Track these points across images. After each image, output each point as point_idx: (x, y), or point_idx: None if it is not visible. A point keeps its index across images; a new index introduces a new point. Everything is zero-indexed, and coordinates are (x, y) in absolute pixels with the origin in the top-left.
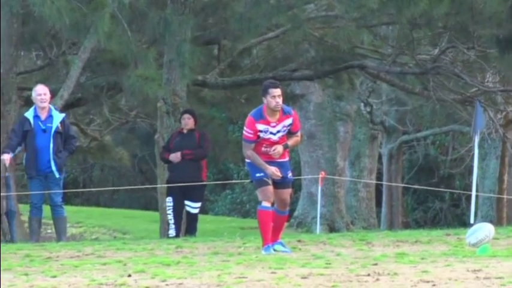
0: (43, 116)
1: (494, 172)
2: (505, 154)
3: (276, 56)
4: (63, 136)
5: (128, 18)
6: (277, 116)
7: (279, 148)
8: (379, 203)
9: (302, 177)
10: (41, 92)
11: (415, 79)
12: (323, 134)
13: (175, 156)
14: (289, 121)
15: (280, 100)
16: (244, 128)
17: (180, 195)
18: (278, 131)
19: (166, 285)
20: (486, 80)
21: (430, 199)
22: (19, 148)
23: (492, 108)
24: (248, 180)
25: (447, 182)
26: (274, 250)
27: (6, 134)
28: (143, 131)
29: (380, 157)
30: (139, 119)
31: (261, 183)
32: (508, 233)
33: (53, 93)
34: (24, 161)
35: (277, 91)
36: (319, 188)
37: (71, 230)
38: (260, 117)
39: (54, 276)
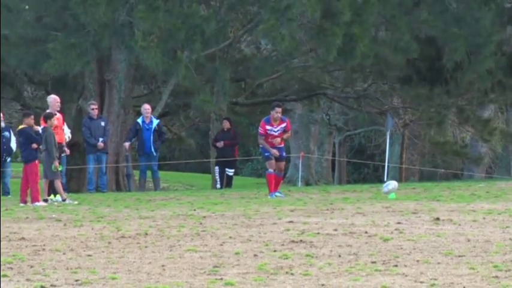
0: (147, 121)
1: (398, 152)
2: (404, 142)
3: (276, 87)
4: (158, 132)
5: (194, 67)
6: (278, 121)
7: (278, 139)
8: (333, 169)
9: (291, 155)
10: (146, 108)
11: (354, 101)
12: (303, 131)
13: (220, 144)
14: (284, 124)
15: (279, 114)
16: (259, 127)
17: (222, 165)
18: (278, 130)
19: (215, 214)
20: (393, 101)
21: (361, 167)
22: (133, 139)
23: (396, 117)
24: (261, 157)
25: (371, 158)
26: (275, 196)
27: (126, 131)
28: (203, 129)
29: (334, 144)
30: (200, 123)
31: (268, 158)
32: (405, 187)
33: (153, 108)
34: (136, 146)
35: (279, 109)
36: (300, 161)
37: (162, 184)
38: (268, 122)
39: (153, 210)
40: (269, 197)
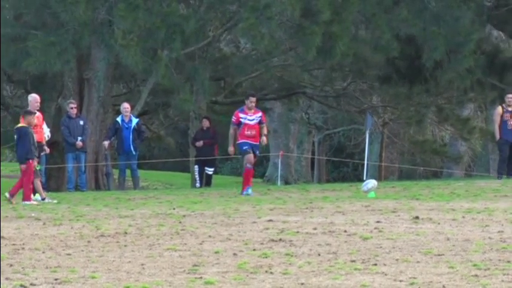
0: (126, 120)
1: (377, 151)
2: (383, 141)
3: (256, 86)
4: (137, 131)
5: (174, 65)
6: (253, 110)
7: (262, 139)
8: (313, 168)
9: (270, 154)
10: (125, 107)
11: (333, 99)
12: (282, 130)
13: (199, 143)
14: (259, 114)
15: (254, 103)
16: (233, 116)
17: (202, 164)
18: (253, 119)
19: (195, 213)
20: (372, 100)
21: (341, 166)
22: (113, 138)
23: (376, 115)
24: (240, 156)
25: (351, 157)
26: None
27: (106, 130)
28: (182, 128)
29: (313, 143)
30: (180, 121)
31: (246, 152)
32: (384, 185)
33: (132, 107)
34: (115, 145)
35: (253, 98)
36: (280, 160)
37: (141, 183)
38: (242, 111)
39: (132, 209)
40: (244, 192)
